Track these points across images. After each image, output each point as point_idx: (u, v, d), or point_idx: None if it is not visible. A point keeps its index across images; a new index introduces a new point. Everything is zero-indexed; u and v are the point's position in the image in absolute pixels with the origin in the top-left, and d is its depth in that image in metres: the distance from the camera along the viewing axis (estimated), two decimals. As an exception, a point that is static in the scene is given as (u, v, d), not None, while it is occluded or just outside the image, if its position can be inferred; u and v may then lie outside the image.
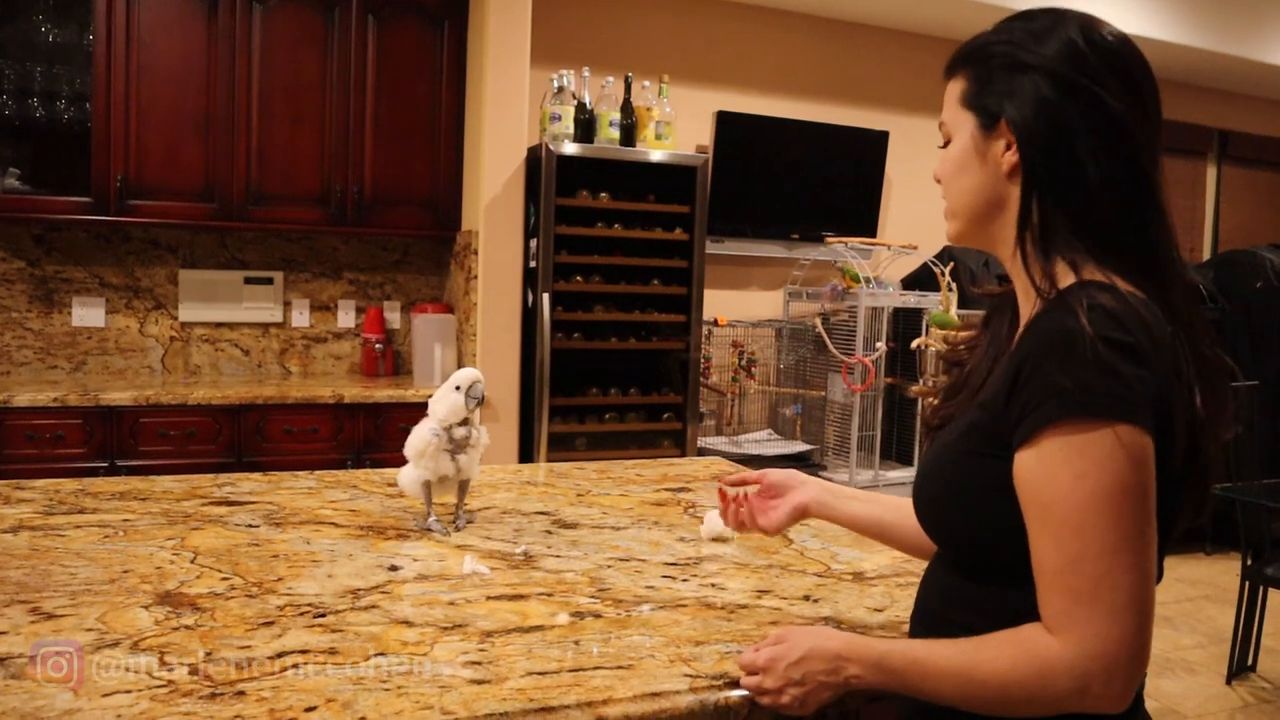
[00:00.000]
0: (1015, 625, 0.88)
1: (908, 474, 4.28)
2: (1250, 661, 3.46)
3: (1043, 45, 0.92)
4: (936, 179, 1.03)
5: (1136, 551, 0.81)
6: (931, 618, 1.02)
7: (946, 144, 1.00)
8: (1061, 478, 0.82)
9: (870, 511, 1.23)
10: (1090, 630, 0.81)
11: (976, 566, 0.96)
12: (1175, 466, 0.86)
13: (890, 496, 1.26)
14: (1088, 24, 0.93)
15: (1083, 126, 0.89)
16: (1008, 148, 0.93)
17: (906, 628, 1.23)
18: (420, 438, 1.57)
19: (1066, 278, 0.90)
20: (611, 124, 3.67)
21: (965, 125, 0.97)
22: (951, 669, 0.88)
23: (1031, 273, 0.92)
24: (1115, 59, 0.91)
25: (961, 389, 1.04)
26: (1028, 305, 0.95)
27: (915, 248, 4.38)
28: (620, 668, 1.07)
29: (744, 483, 1.29)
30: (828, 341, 4.13)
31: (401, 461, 1.62)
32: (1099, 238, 0.90)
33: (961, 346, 1.10)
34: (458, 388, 1.56)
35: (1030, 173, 0.91)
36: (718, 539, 1.61)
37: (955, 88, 0.99)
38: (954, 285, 3.74)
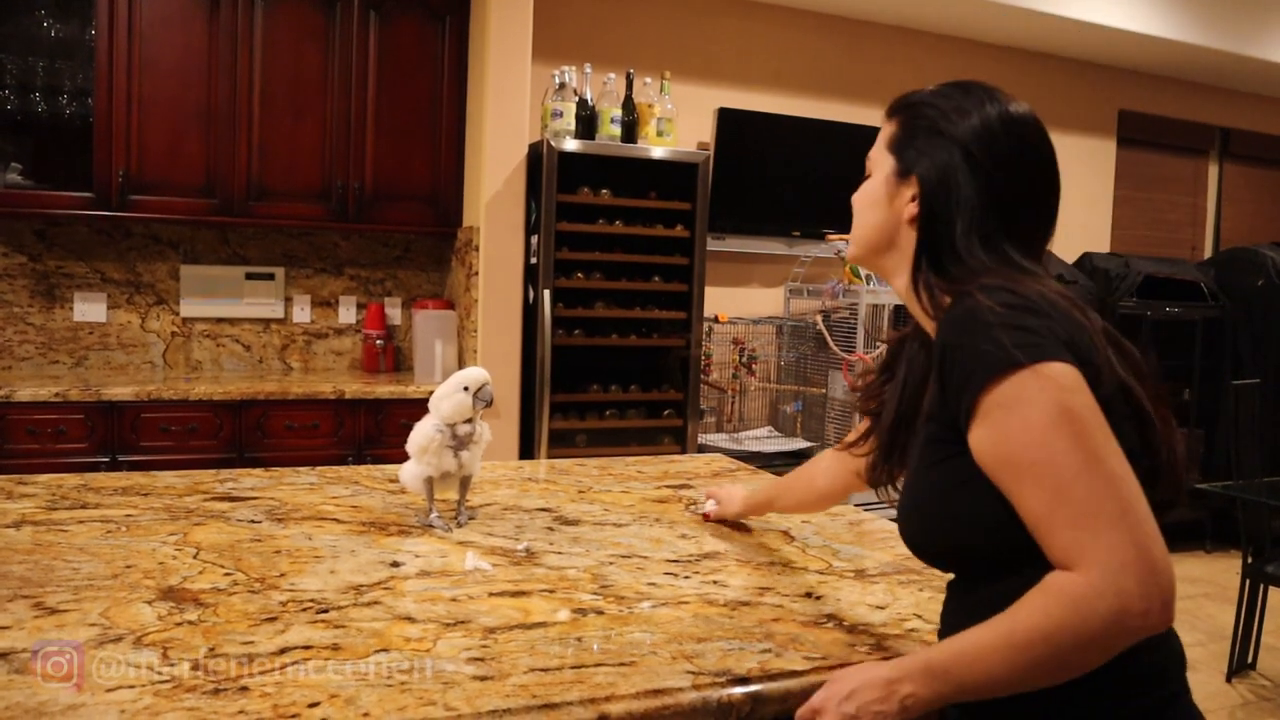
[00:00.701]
0: None
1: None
2: (1250, 659, 3.47)
3: (965, 119, 1.02)
4: (851, 204, 1.13)
5: (1107, 459, 0.84)
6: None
7: (868, 177, 1.11)
8: (1012, 429, 0.86)
9: (790, 502, 1.58)
10: (1101, 547, 0.81)
11: (980, 573, 0.97)
12: (1113, 412, 0.88)
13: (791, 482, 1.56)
14: (1006, 110, 1.02)
15: (975, 199, 0.99)
16: (912, 199, 1.04)
17: (908, 624, 1.25)
18: (423, 434, 1.57)
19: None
20: (613, 120, 3.66)
21: (885, 166, 1.08)
22: (993, 644, 0.86)
23: (924, 306, 1.02)
24: (1022, 144, 1.01)
25: (883, 427, 1.13)
26: (932, 326, 1.02)
27: (916, 245, 4.37)
28: (622, 664, 1.07)
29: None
30: (829, 338, 4.13)
31: (403, 457, 1.62)
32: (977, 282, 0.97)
33: (870, 398, 1.20)
34: (466, 388, 1.56)
35: (925, 225, 1.03)
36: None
37: (887, 130, 1.10)
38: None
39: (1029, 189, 1.01)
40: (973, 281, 0.95)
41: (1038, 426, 0.84)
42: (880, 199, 1.07)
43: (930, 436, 0.98)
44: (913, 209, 1.03)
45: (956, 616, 1.01)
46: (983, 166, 0.99)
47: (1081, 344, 0.88)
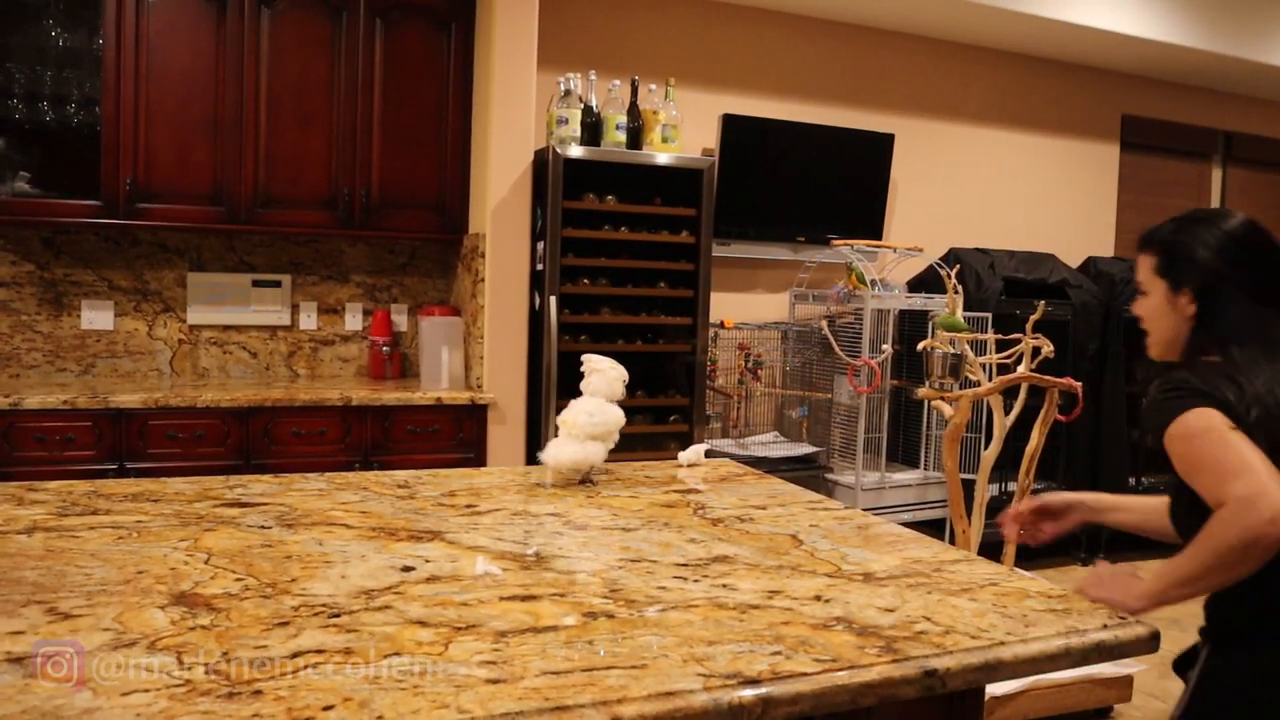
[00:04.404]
0: None
1: (913, 476, 4.29)
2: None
3: (1208, 242, 1.50)
4: (1139, 316, 1.60)
5: (1234, 445, 1.32)
6: None
7: (1143, 293, 1.57)
8: (1186, 447, 1.38)
9: (1128, 520, 1.72)
10: (1232, 490, 1.28)
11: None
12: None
13: (1137, 501, 1.70)
14: (1235, 226, 1.51)
15: (1230, 297, 1.48)
16: (1189, 303, 1.50)
17: (917, 626, 1.25)
18: (617, 412, 2.03)
19: None
20: (618, 127, 3.68)
21: (1159, 287, 1.54)
22: (1182, 556, 1.37)
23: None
24: (1255, 249, 1.50)
25: None
26: None
27: (921, 250, 4.38)
28: (634, 667, 1.08)
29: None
30: (834, 344, 4.13)
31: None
32: (1228, 349, 1.46)
33: None
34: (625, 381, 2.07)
35: (1200, 319, 1.50)
36: (693, 464, 2.35)
37: (1148, 260, 1.56)
38: (960, 288, 3.74)
39: (1270, 276, 1.49)
40: (1214, 350, 1.47)
41: (1194, 440, 1.36)
42: (1164, 310, 1.54)
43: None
44: (1191, 309, 1.50)
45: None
46: (1226, 275, 1.48)
47: (1243, 400, 1.36)
